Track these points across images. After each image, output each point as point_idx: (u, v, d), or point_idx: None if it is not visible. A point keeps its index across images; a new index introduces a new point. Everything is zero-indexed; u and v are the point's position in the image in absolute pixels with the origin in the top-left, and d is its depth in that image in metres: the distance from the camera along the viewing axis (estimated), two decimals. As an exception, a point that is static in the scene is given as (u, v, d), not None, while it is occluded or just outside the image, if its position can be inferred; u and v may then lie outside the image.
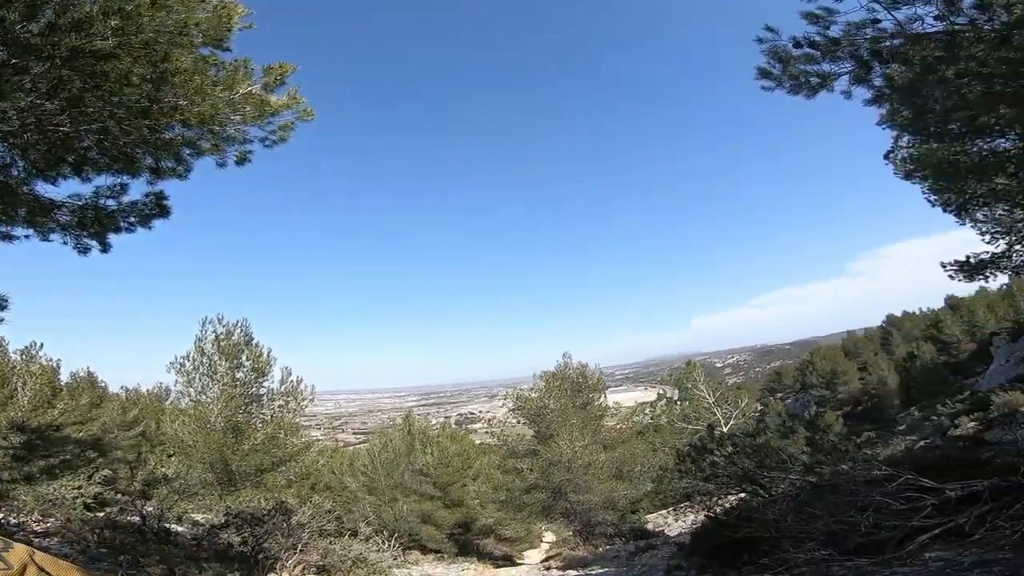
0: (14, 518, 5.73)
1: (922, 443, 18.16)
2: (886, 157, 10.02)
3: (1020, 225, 8.76)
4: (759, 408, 30.02)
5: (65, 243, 4.97)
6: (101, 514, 6.25)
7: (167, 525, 6.81)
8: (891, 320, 47.91)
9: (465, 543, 17.91)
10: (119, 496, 6.22)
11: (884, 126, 8.97)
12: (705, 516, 8.87)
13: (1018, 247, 8.97)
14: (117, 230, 5.09)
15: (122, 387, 23.52)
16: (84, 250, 5.08)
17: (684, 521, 16.70)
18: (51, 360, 12.87)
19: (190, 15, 3.30)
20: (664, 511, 20.52)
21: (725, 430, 18.04)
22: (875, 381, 37.66)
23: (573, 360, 17.36)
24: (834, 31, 5.06)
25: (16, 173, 4.27)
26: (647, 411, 26.88)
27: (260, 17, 4.23)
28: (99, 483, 6.53)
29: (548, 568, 12.84)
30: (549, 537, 21.83)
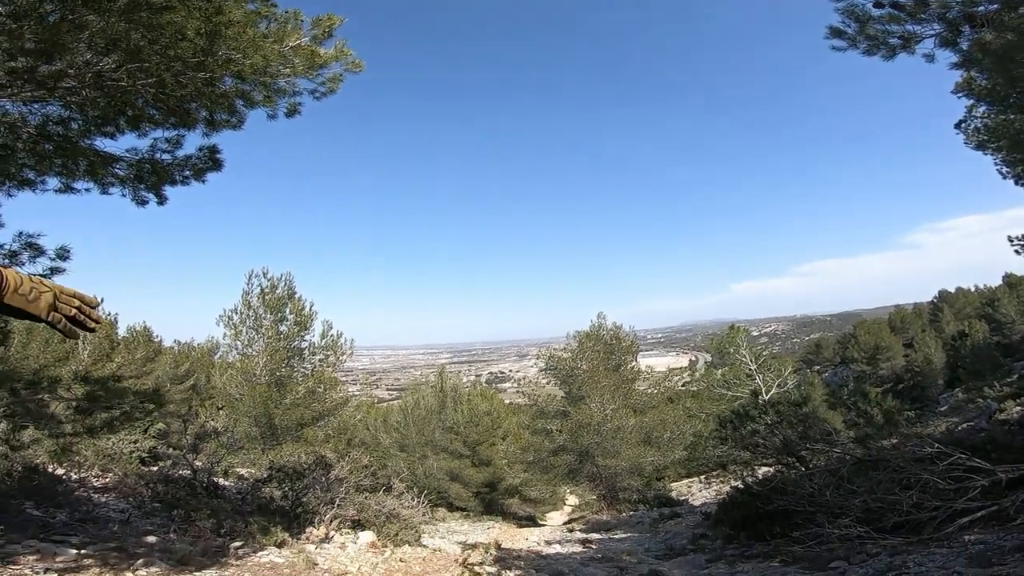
0: (75, 473, 5.98)
1: (965, 425, 17.55)
2: (957, 126, 9.59)
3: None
4: (796, 380, 29.41)
5: (124, 195, 5.13)
6: (155, 468, 6.35)
7: (215, 480, 6.92)
8: (943, 296, 45.76)
9: (491, 502, 18.07)
10: (171, 450, 6.39)
11: (960, 95, 8.54)
12: (733, 487, 8.85)
13: (1095, 223, 8.35)
14: (173, 183, 5.22)
15: (175, 341, 23.19)
16: (142, 202, 5.25)
17: (708, 491, 16.67)
18: (109, 314, 13.13)
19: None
20: (688, 480, 20.44)
21: (766, 398, 17.69)
22: (920, 359, 36.30)
23: (607, 321, 16.88)
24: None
25: (75, 127, 4.40)
26: (686, 375, 26.28)
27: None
28: (153, 437, 6.69)
29: (571, 531, 12.95)
30: (572, 500, 21.90)
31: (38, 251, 5.11)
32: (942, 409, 26.54)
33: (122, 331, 16.09)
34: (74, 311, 1.04)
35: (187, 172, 5.14)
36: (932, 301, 46.94)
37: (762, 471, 9.27)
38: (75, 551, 3.92)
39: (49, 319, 1.00)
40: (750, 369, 22.93)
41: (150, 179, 5.05)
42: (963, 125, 9.38)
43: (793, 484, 6.28)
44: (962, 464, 4.74)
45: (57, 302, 1.02)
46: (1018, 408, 16.04)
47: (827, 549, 5.25)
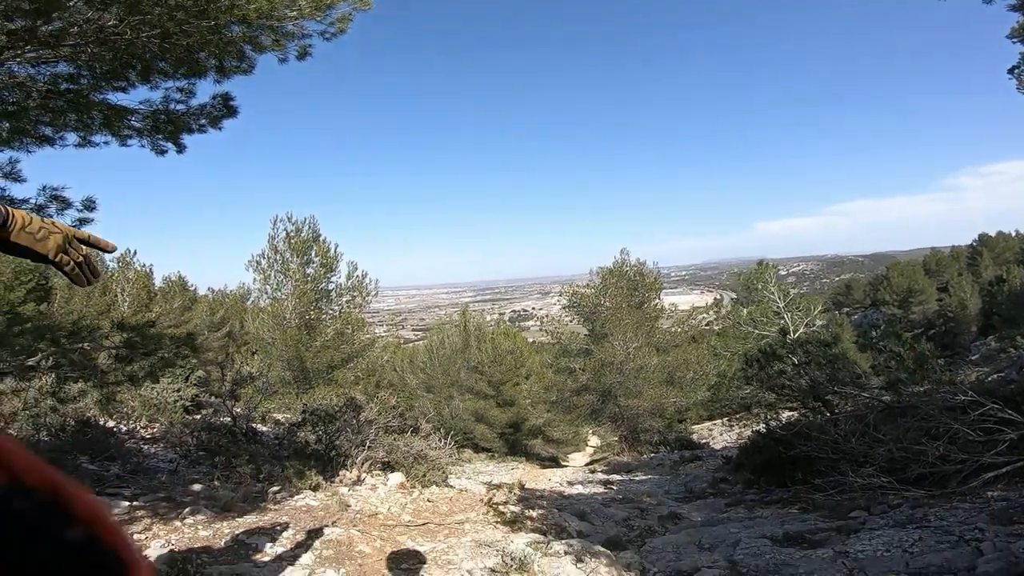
0: (125, 425, 6.19)
1: (995, 375, 17.09)
2: (1011, 72, 9.22)
3: None
4: (825, 321, 28.82)
5: (143, 146, 5.10)
6: (198, 416, 6.56)
7: (254, 425, 7.11)
8: (983, 240, 43.28)
9: (515, 443, 18.43)
10: (212, 398, 6.59)
11: (1015, 40, 8.17)
12: (755, 431, 8.86)
13: None
14: (190, 131, 5.17)
15: (209, 289, 23.62)
16: (161, 152, 5.23)
17: (730, 435, 16.74)
18: (144, 266, 13.33)
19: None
20: (710, 423, 20.46)
21: (794, 338, 17.33)
22: (954, 304, 35.06)
23: (630, 257, 16.50)
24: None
25: (85, 83, 4.32)
26: (711, 313, 25.56)
27: None
28: (195, 384, 6.89)
29: (593, 472, 13.23)
30: (594, 441, 22.20)
31: (65, 203, 5.14)
32: (973, 357, 25.86)
33: (158, 282, 16.56)
34: (81, 258, 1.02)
35: (203, 120, 5.07)
36: (971, 244, 44.60)
37: (785, 415, 9.25)
38: (127, 503, 4.18)
39: (56, 260, 0.99)
40: (778, 307, 22.18)
41: (167, 129, 4.99)
42: (1016, 71, 9.01)
43: (818, 429, 6.20)
44: (994, 416, 4.61)
45: (68, 245, 0.99)
46: (1053, 359, 15.41)
47: (848, 498, 5.25)
